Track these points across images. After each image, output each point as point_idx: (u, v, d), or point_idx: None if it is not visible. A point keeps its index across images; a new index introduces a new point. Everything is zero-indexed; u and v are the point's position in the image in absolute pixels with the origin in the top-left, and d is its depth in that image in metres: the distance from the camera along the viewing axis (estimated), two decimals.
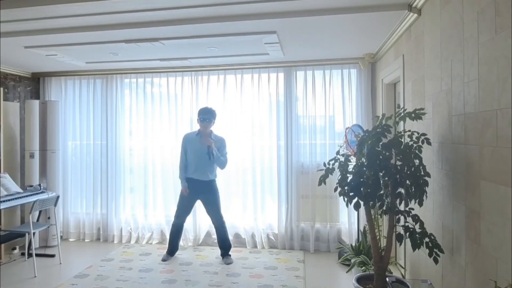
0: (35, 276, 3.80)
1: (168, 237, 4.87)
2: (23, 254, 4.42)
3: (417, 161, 2.29)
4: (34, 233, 4.04)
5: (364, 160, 2.40)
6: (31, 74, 5.21)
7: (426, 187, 2.25)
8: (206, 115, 4.15)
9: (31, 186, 4.51)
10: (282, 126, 4.73)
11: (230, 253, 4.31)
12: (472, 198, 1.94)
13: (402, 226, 2.36)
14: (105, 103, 5.11)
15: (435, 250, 2.20)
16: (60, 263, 4.20)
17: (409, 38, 3.07)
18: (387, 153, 2.30)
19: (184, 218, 4.34)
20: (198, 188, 4.19)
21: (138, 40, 3.55)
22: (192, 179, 4.19)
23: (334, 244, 4.57)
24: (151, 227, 5.00)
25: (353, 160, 2.64)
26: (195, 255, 4.47)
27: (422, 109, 2.38)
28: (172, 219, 4.89)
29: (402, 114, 2.42)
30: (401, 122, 2.49)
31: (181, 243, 4.83)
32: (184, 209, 4.29)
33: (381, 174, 2.34)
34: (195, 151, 4.15)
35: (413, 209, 2.37)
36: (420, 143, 2.31)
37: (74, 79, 5.21)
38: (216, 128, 4.83)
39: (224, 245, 4.30)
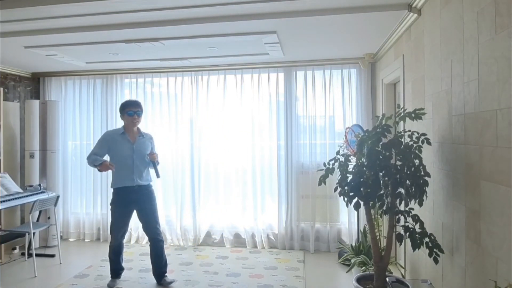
0: (35, 276, 3.80)
1: (167, 237, 4.88)
2: (23, 254, 4.42)
3: (417, 161, 2.29)
4: (34, 233, 4.04)
5: (364, 160, 2.40)
6: (31, 74, 5.21)
7: (426, 187, 2.25)
8: (138, 108, 3.50)
9: (31, 186, 4.51)
10: (282, 126, 4.73)
11: (167, 273, 3.68)
12: (472, 198, 1.94)
13: (402, 226, 2.36)
14: (105, 103, 5.11)
15: (435, 250, 2.20)
16: (60, 263, 4.20)
17: (409, 38, 3.07)
18: (387, 153, 2.30)
19: (123, 235, 3.60)
20: (132, 196, 3.46)
21: (138, 40, 3.55)
22: (124, 187, 3.44)
23: (334, 244, 4.57)
24: None
25: (353, 160, 2.64)
26: (195, 255, 4.46)
27: (422, 109, 2.39)
28: (172, 219, 4.92)
29: (402, 114, 2.42)
30: (401, 122, 2.49)
31: (181, 243, 4.85)
32: (122, 224, 3.53)
33: (381, 174, 2.34)
34: (122, 153, 3.45)
35: (413, 209, 2.37)
36: (420, 143, 2.31)
37: (74, 79, 5.21)
38: (216, 128, 4.86)
39: (160, 264, 3.60)
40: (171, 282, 3.62)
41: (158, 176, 3.56)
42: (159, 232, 3.62)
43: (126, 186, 3.45)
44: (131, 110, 3.47)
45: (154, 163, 3.53)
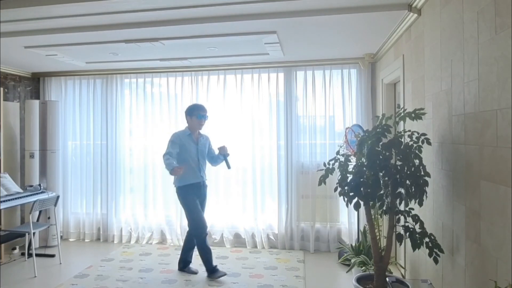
0: (35, 276, 3.80)
1: (167, 237, 4.88)
2: (23, 254, 4.42)
3: (417, 161, 2.29)
4: (34, 233, 4.04)
5: (364, 160, 2.40)
6: (31, 74, 5.21)
7: (426, 187, 2.25)
8: (206, 112, 3.87)
9: (31, 186, 4.51)
10: (282, 126, 4.73)
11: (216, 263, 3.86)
12: (472, 198, 1.94)
13: (402, 226, 2.36)
14: (105, 103, 5.11)
15: (435, 250, 2.20)
16: (60, 263, 4.20)
17: (409, 38, 3.07)
18: (387, 153, 2.30)
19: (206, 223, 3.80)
20: (200, 192, 3.82)
21: (138, 40, 3.55)
22: (193, 184, 3.76)
23: (334, 244, 4.57)
24: (151, 227, 4.99)
25: (353, 160, 2.65)
26: (195, 255, 4.45)
27: (422, 109, 2.39)
28: (172, 219, 4.90)
29: (402, 114, 2.42)
30: (401, 122, 2.49)
31: (181, 243, 4.82)
32: (201, 213, 3.78)
33: (381, 174, 2.34)
34: (190, 153, 3.78)
35: (413, 209, 2.37)
36: (420, 143, 2.31)
37: (74, 79, 5.21)
38: (215, 128, 4.86)
39: (206, 254, 3.78)
40: (223, 275, 3.73)
41: (229, 167, 3.87)
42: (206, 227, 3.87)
43: (195, 183, 3.77)
44: (201, 113, 3.80)
45: (225, 156, 3.82)
